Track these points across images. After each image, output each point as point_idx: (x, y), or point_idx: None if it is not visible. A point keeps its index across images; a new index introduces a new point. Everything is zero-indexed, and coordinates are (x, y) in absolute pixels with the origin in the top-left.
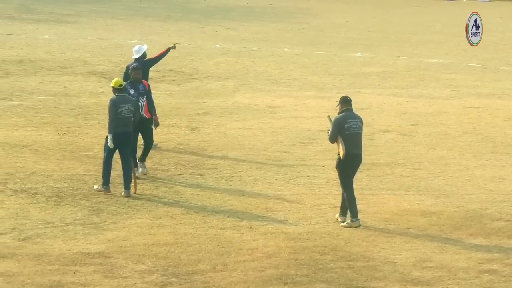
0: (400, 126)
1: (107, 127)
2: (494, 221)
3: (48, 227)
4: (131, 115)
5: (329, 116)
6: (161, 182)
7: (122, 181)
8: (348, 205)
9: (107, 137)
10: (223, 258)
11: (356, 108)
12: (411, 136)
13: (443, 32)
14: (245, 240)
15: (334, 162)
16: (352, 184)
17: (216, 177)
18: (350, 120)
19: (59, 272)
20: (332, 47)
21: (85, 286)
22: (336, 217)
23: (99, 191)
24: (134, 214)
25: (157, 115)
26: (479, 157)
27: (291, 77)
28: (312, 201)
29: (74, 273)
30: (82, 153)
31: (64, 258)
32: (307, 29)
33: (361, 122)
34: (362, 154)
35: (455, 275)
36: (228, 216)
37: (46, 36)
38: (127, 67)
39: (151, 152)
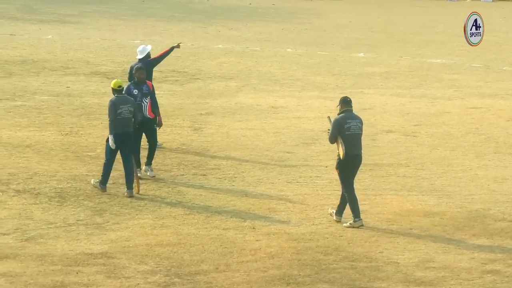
0: (403, 126)
1: (109, 128)
2: (497, 221)
3: (51, 228)
4: (131, 115)
5: (329, 117)
6: (164, 182)
7: (124, 182)
8: (350, 205)
9: (107, 139)
10: (226, 258)
11: (359, 108)
12: (414, 136)
13: (446, 33)
14: (248, 240)
15: (335, 163)
16: (353, 184)
17: (219, 178)
18: (350, 121)
19: (62, 273)
20: (335, 48)
21: (88, 287)
22: (329, 212)
23: (95, 187)
24: (137, 214)
25: (161, 115)
26: (482, 157)
27: (294, 77)
28: (315, 201)
29: (77, 273)
30: (85, 154)
31: (67, 258)
32: (310, 29)
33: (361, 122)
34: (364, 154)
35: (458, 275)
36: (231, 217)
37: (49, 37)
38: (131, 68)
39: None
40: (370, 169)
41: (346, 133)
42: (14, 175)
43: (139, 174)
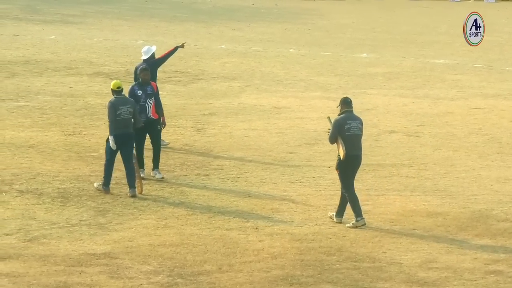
0: (406, 127)
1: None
2: (500, 222)
3: (54, 228)
4: (131, 116)
5: (328, 117)
6: (167, 182)
7: (127, 182)
8: (351, 205)
9: (108, 138)
10: (229, 259)
11: (362, 109)
12: (417, 137)
13: (449, 33)
14: (251, 241)
15: (334, 163)
16: (353, 184)
17: (222, 178)
18: (350, 122)
19: (64, 273)
20: (338, 48)
21: (90, 287)
22: (329, 215)
23: (98, 189)
24: (140, 214)
25: (164, 116)
26: (485, 157)
27: (297, 77)
28: (318, 202)
29: (80, 273)
30: (88, 154)
31: (70, 258)
32: (313, 29)
33: (361, 123)
34: (367, 154)
35: (461, 276)
36: (234, 217)
37: (52, 37)
38: (136, 68)
39: None
40: (373, 170)
41: (346, 133)
42: (17, 175)
43: (142, 175)
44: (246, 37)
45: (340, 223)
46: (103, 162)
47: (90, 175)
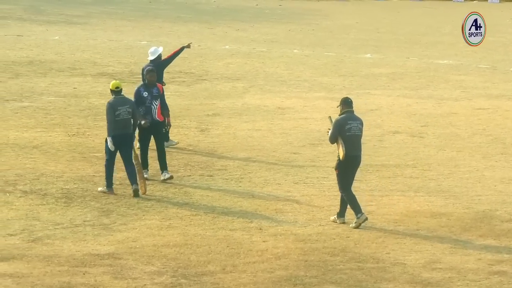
0: (409, 127)
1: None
2: (503, 222)
3: (57, 228)
4: (130, 116)
5: (330, 116)
6: (170, 183)
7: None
8: (350, 204)
9: (107, 139)
10: (232, 259)
11: (365, 109)
12: (420, 137)
13: (453, 34)
14: (254, 241)
15: (334, 163)
16: (351, 185)
17: (226, 178)
18: (350, 122)
19: (68, 273)
20: (341, 48)
21: (94, 287)
22: (331, 219)
23: (104, 192)
24: (143, 215)
25: (170, 117)
26: (488, 158)
27: (301, 78)
28: (322, 202)
29: (84, 274)
30: (92, 154)
31: (74, 259)
32: (316, 30)
33: (361, 124)
34: (371, 155)
35: (465, 276)
36: (238, 217)
37: (56, 37)
38: (143, 69)
39: None
40: (377, 170)
41: (347, 134)
42: (21, 176)
43: (145, 175)
44: (250, 37)
45: (344, 223)
46: None
47: (94, 175)
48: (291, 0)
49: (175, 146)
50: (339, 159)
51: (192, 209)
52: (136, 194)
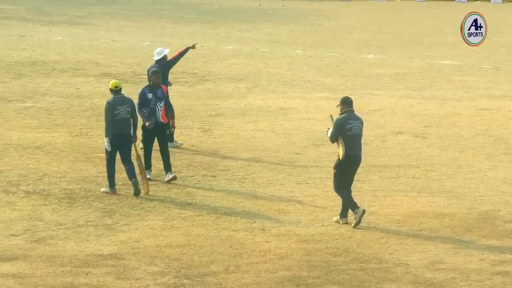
0: (412, 127)
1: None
2: (506, 222)
3: (60, 229)
4: (129, 116)
5: (331, 115)
6: (173, 183)
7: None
8: (346, 201)
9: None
10: (235, 259)
11: (368, 109)
12: (423, 138)
13: (455, 34)
14: (257, 241)
15: (334, 163)
16: (351, 184)
17: (229, 179)
18: (351, 121)
19: (71, 274)
20: (344, 49)
21: None
22: (334, 220)
23: (106, 193)
24: (146, 215)
25: (174, 119)
26: (491, 158)
27: (304, 78)
28: (325, 202)
29: (87, 274)
30: (95, 155)
31: (77, 259)
32: (319, 30)
33: (362, 123)
34: (374, 155)
35: (468, 277)
36: (241, 218)
37: (59, 38)
38: (149, 70)
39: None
40: (379, 171)
41: (348, 133)
42: (24, 176)
43: (148, 176)
44: (252, 38)
45: (347, 223)
46: None
47: (96, 176)
48: (294, 1)
49: (179, 147)
50: (339, 158)
51: (195, 210)
52: (136, 187)
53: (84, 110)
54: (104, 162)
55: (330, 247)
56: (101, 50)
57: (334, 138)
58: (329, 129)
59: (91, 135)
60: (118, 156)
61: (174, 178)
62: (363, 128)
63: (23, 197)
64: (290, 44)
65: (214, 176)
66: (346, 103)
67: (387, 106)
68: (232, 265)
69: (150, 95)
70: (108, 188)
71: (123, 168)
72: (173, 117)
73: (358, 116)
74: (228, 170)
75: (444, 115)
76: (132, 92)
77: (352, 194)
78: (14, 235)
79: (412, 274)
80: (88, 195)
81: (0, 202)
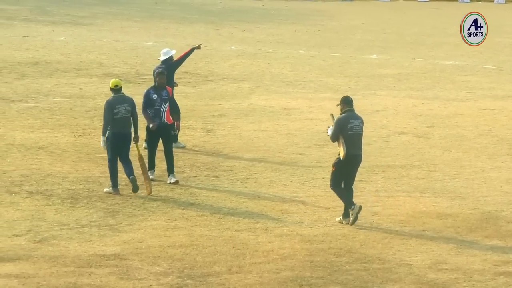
0: (415, 128)
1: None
2: (509, 223)
3: (63, 229)
4: (129, 115)
5: (332, 114)
6: (176, 184)
7: (138, 183)
8: (341, 198)
9: (106, 138)
10: (238, 260)
11: (371, 110)
12: (426, 138)
13: (458, 34)
14: (260, 242)
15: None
16: (352, 184)
17: (232, 179)
18: (352, 121)
19: (74, 274)
20: (347, 49)
21: None
22: (337, 220)
23: (109, 193)
24: (149, 216)
25: (179, 121)
26: (494, 159)
27: (307, 79)
28: (328, 203)
29: (90, 275)
30: (98, 155)
31: (80, 260)
32: (322, 31)
33: (362, 122)
34: (377, 156)
35: (471, 277)
36: (244, 218)
37: (62, 38)
38: (154, 71)
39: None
40: (382, 171)
41: (349, 132)
42: (27, 176)
43: (151, 176)
44: (255, 38)
45: (350, 223)
46: None
47: (99, 176)
48: (297, 1)
49: (184, 147)
50: (339, 157)
51: (198, 210)
52: (134, 184)
53: (87, 110)
54: (107, 162)
55: (333, 247)
56: (104, 50)
57: (335, 138)
58: (328, 127)
59: (94, 136)
60: None
61: (176, 182)
62: (363, 127)
63: (26, 197)
64: (293, 44)
65: (217, 177)
66: (346, 102)
67: (390, 107)
68: (235, 266)
69: (155, 96)
70: (111, 188)
71: None
72: (178, 119)
73: (358, 115)
74: (231, 171)
75: (447, 116)
76: (135, 93)
77: (355, 194)
78: (17, 235)
79: (415, 274)
80: (91, 195)
81: (3, 202)
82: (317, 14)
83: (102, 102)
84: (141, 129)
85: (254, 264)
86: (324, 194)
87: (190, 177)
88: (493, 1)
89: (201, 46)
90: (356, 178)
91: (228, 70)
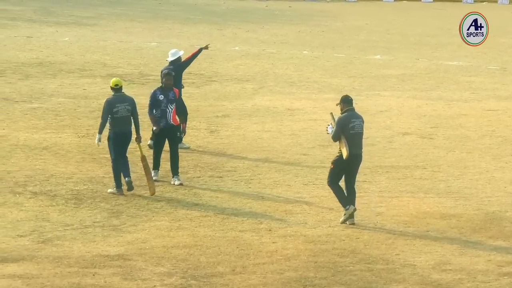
0: (419, 128)
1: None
2: None
3: (67, 230)
4: (129, 114)
5: (331, 113)
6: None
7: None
8: (337, 197)
9: (108, 138)
10: (242, 260)
11: (375, 110)
12: (430, 138)
13: None
14: (264, 242)
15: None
16: (354, 183)
17: (235, 180)
18: (354, 120)
19: (78, 275)
20: (351, 50)
21: None
22: (340, 221)
23: (113, 194)
24: (153, 216)
25: (186, 124)
26: (498, 159)
27: (310, 79)
28: (331, 203)
29: (93, 275)
30: (102, 156)
31: (84, 260)
32: (326, 31)
33: (363, 121)
34: (380, 156)
35: (475, 277)
36: (247, 219)
37: (66, 39)
38: (162, 71)
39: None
40: (386, 171)
41: (350, 132)
42: (31, 177)
43: (155, 177)
44: (259, 39)
45: (354, 224)
46: None
47: (103, 177)
48: (301, 2)
49: (186, 148)
50: (340, 155)
51: (202, 210)
52: (129, 185)
53: (91, 111)
54: (110, 163)
55: (337, 248)
56: (108, 51)
57: (337, 137)
58: (328, 125)
59: None
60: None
61: (180, 185)
62: (364, 127)
63: (30, 198)
64: (297, 45)
65: (221, 177)
66: (347, 101)
67: (394, 107)
68: (239, 266)
69: (161, 97)
70: (114, 189)
71: (130, 169)
72: (185, 121)
73: (359, 114)
74: (235, 171)
75: (451, 116)
76: (139, 93)
77: (359, 195)
78: (21, 236)
79: (419, 275)
80: (95, 196)
81: (7, 202)
82: (321, 14)
83: None
84: (145, 129)
85: (258, 265)
86: (328, 195)
87: (194, 177)
88: (497, 2)
89: (208, 46)
90: (360, 179)
91: (232, 70)
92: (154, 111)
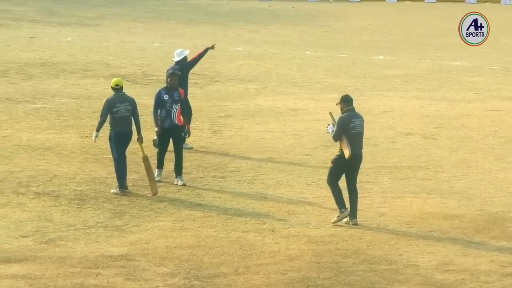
0: (422, 129)
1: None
2: None
3: (70, 230)
4: (129, 114)
5: (330, 113)
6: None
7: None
8: (335, 197)
9: (109, 138)
10: (245, 261)
11: (378, 111)
12: (433, 139)
13: None
14: (267, 243)
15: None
16: (355, 183)
17: (238, 180)
18: (354, 120)
19: (81, 275)
20: (354, 50)
21: None
22: (344, 222)
23: (116, 194)
24: (156, 217)
25: (190, 125)
26: (501, 160)
27: (313, 80)
28: (334, 204)
29: (96, 275)
30: (105, 156)
31: (87, 260)
32: (329, 32)
33: (363, 121)
34: (383, 157)
35: (478, 278)
36: (250, 219)
37: (69, 39)
38: (167, 71)
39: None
40: (389, 172)
41: (352, 132)
42: (34, 177)
43: (158, 178)
44: (262, 39)
45: (357, 224)
46: None
47: (106, 177)
48: (303, 2)
49: (189, 148)
50: (340, 154)
51: (205, 211)
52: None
53: (94, 111)
54: (113, 163)
55: (340, 248)
56: (111, 51)
57: (338, 137)
58: (329, 125)
59: (101, 136)
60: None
61: (184, 185)
62: (364, 126)
63: (33, 198)
64: (299, 45)
65: (224, 177)
66: (347, 101)
67: (397, 107)
68: (241, 266)
69: (166, 97)
70: (117, 189)
71: (133, 169)
72: (189, 122)
73: (359, 114)
74: (238, 171)
75: (454, 117)
76: (142, 93)
77: (362, 195)
78: (24, 236)
79: (422, 275)
80: (98, 196)
81: (10, 203)
82: (324, 15)
83: None
84: (148, 130)
85: (260, 265)
86: (330, 195)
87: (197, 178)
88: (500, 2)
89: (214, 46)
90: (363, 179)
91: (235, 71)
92: (159, 111)
